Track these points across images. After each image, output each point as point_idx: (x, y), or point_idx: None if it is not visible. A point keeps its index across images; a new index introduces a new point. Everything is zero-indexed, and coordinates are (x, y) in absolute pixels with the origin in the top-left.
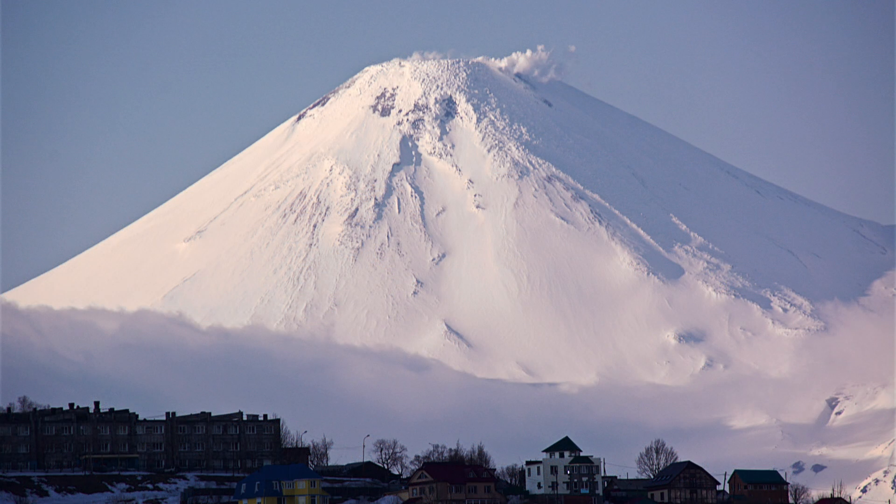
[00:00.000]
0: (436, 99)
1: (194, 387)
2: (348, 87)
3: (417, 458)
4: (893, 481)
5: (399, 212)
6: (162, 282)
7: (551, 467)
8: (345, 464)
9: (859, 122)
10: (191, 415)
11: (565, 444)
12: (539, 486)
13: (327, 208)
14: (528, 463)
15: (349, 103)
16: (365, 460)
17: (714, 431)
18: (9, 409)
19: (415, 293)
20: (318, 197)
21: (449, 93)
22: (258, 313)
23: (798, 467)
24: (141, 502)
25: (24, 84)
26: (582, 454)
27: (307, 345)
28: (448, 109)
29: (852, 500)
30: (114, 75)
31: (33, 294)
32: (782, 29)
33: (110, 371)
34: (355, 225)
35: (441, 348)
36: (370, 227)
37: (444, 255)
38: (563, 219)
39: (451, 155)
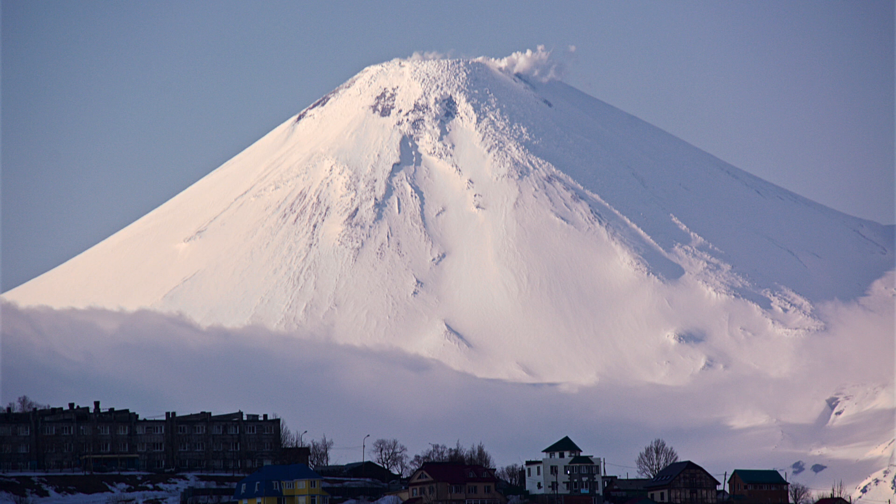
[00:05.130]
0: (436, 99)
1: (194, 387)
2: (348, 87)
3: (417, 458)
4: (893, 481)
5: (399, 212)
6: (162, 282)
7: (551, 467)
8: (345, 464)
9: (859, 122)
10: (191, 415)
11: (565, 444)
12: (539, 486)
13: (327, 208)
14: (528, 463)
15: (349, 103)
16: (365, 460)
17: (714, 431)
18: (9, 409)
19: (415, 293)
20: (318, 197)
21: (449, 93)
22: (258, 313)
23: (798, 467)
24: (141, 502)
25: (25, 84)
26: (582, 454)
27: (307, 345)
28: (448, 109)
29: (852, 500)
30: (114, 75)
31: (33, 294)
32: (782, 29)
33: (110, 371)
34: (355, 225)
35: (441, 348)
36: (370, 227)
37: (444, 255)
38: (563, 219)
39: (451, 155)
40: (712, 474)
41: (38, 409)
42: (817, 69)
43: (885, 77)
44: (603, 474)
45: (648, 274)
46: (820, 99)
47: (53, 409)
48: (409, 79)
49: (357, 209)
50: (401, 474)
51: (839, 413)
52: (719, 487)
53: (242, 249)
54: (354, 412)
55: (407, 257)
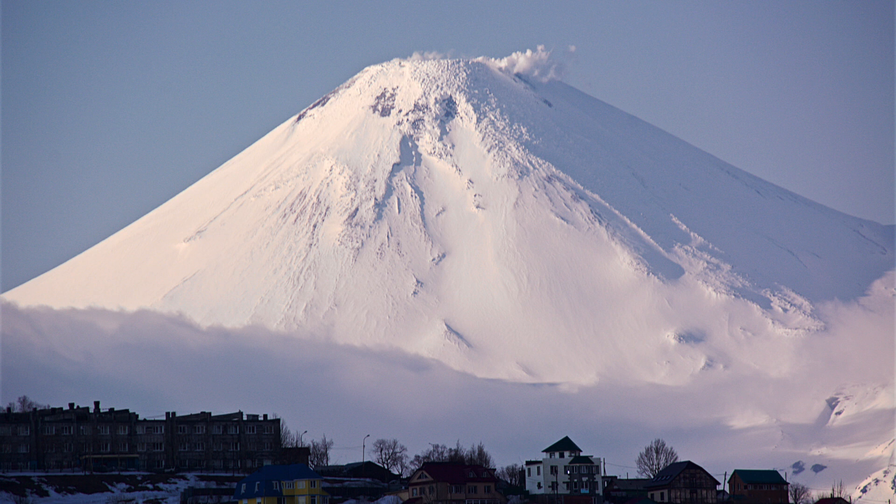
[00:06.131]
0: (436, 99)
1: (194, 387)
2: (348, 87)
3: (417, 458)
4: (893, 481)
5: (399, 212)
6: (162, 282)
7: (551, 467)
8: (345, 464)
9: (859, 122)
10: (191, 415)
11: (565, 444)
12: (539, 486)
13: (327, 208)
14: (528, 463)
15: (349, 103)
16: (365, 460)
17: (714, 431)
18: (9, 409)
19: (415, 293)
20: (318, 197)
21: (449, 93)
22: (258, 313)
23: (798, 467)
24: (141, 502)
25: (25, 84)
26: (582, 454)
27: (307, 345)
28: (448, 109)
29: (852, 500)
30: (114, 75)
31: (33, 294)
32: (782, 29)
33: (110, 371)
34: (355, 225)
35: (441, 348)
36: (370, 227)
37: (444, 255)
38: (563, 219)
39: (451, 155)
40: (712, 474)
41: (38, 409)
42: (817, 69)
43: (885, 77)
44: (603, 474)
45: (648, 274)
46: (820, 99)
47: (53, 409)
48: (409, 79)
49: (357, 209)
50: (401, 474)
51: (839, 413)
52: (719, 487)
53: (242, 249)
54: (354, 412)
55: (407, 257)
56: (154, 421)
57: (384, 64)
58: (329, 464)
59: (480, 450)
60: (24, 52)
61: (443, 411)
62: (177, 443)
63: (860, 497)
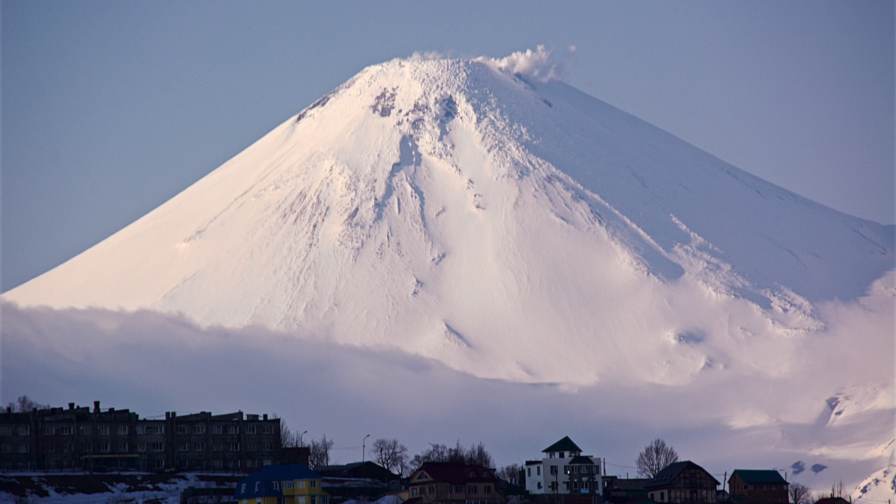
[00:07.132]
0: (436, 99)
1: (194, 387)
2: (348, 87)
3: (417, 458)
4: (893, 481)
5: (399, 212)
6: (162, 282)
7: (551, 467)
8: (345, 464)
9: (859, 122)
10: (191, 415)
11: (565, 444)
12: (539, 486)
13: (327, 208)
14: (528, 463)
15: (349, 103)
16: (365, 460)
17: (714, 431)
18: (9, 409)
19: (415, 293)
20: (318, 197)
21: (449, 93)
22: (258, 313)
23: (798, 467)
24: (141, 502)
25: (25, 84)
26: (582, 454)
27: (307, 345)
28: (448, 109)
29: (852, 500)
30: (114, 75)
31: (33, 294)
32: (782, 29)
33: (110, 371)
34: (355, 225)
35: (441, 348)
36: (370, 227)
37: (444, 255)
38: (563, 219)
39: (451, 155)
40: (712, 474)
41: (38, 409)
42: (817, 69)
43: (885, 77)
44: (603, 474)
45: (648, 274)
46: (820, 99)
47: (53, 409)
48: (409, 79)
49: (357, 209)
50: (401, 474)
51: (839, 413)
52: (719, 487)
53: (242, 249)
54: (354, 412)
55: (407, 257)
56: (154, 421)
57: (384, 64)
58: (329, 464)
59: (480, 450)
60: (24, 52)
61: (443, 411)
62: (177, 443)
63: (860, 497)
